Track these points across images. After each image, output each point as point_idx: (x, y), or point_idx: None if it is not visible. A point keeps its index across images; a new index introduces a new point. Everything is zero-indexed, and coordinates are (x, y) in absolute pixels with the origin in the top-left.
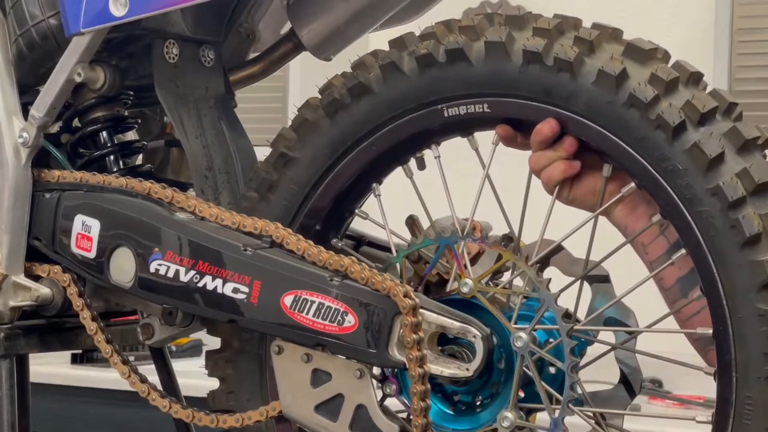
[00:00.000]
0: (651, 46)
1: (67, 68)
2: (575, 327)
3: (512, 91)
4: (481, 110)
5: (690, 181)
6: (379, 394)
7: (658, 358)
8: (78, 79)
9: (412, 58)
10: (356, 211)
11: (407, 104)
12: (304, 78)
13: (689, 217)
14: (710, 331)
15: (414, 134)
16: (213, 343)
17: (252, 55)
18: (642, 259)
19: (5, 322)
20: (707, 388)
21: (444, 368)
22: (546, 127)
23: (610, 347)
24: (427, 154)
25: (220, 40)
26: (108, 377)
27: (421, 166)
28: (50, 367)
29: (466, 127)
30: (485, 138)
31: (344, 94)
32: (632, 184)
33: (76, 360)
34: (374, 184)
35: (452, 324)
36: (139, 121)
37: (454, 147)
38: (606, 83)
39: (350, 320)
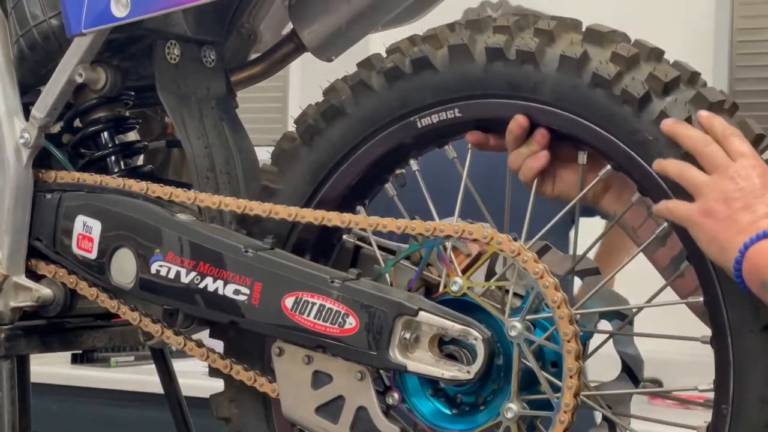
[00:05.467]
0: (609, 29)
1: (68, 69)
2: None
3: (480, 92)
4: (452, 116)
5: (662, 150)
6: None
7: (654, 337)
8: (79, 80)
9: (380, 74)
10: (344, 237)
11: (380, 121)
12: (305, 78)
13: (665, 187)
14: (701, 298)
15: (391, 150)
16: (213, 343)
17: (253, 56)
18: (635, 243)
19: (6, 323)
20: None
21: (445, 371)
22: (514, 125)
23: (608, 335)
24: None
25: (221, 41)
26: (108, 377)
27: (402, 182)
28: (50, 367)
29: (440, 135)
30: None
31: (318, 120)
32: (608, 167)
33: (76, 360)
34: (358, 207)
35: (453, 326)
36: (140, 121)
37: None
38: (569, 67)
39: (351, 322)
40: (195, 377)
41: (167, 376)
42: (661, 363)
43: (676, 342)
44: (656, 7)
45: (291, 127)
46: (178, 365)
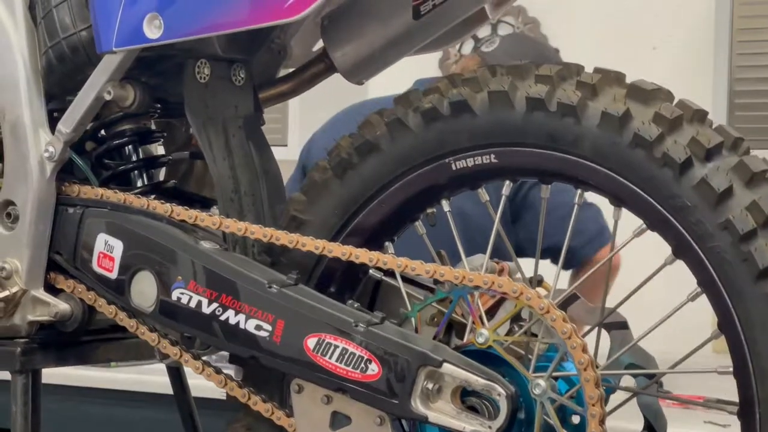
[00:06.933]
0: (653, 87)
1: (97, 85)
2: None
3: (518, 140)
4: (488, 161)
5: (700, 217)
6: None
7: (681, 400)
8: (108, 97)
9: (417, 113)
10: (370, 271)
11: (415, 160)
12: None
13: (701, 254)
14: (731, 369)
15: (423, 190)
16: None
17: (283, 72)
18: None
19: (22, 336)
20: (707, 388)
21: (466, 424)
22: None
23: (632, 393)
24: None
25: (251, 58)
26: (108, 377)
27: (432, 221)
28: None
29: (474, 179)
30: None
31: (352, 154)
32: (643, 225)
33: None
34: (387, 243)
35: (477, 380)
36: (165, 134)
37: None
38: (610, 124)
39: (373, 368)
40: (199, 377)
41: (181, 390)
42: (663, 364)
43: (679, 345)
44: (656, 7)
45: (291, 128)
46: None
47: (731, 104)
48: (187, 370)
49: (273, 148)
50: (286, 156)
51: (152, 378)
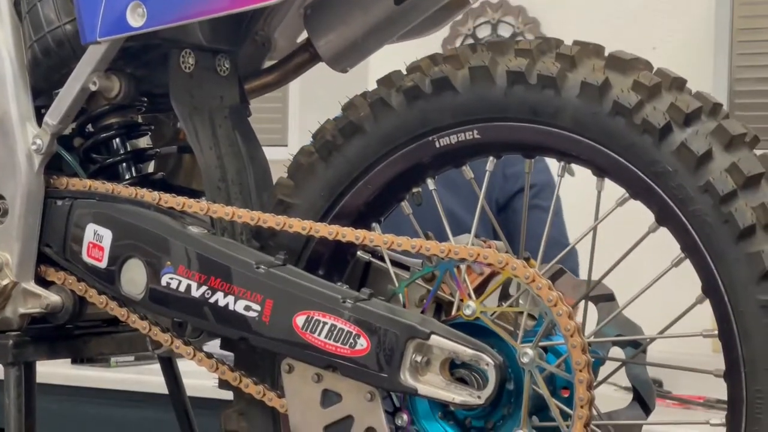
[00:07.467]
0: (632, 57)
1: (82, 77)
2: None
3: (500, 114)
4: (471, 137)
5: (681, 182)
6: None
7: (668, 368)
8: (93, 88)
9: (400, 92)
10: (358, 253)
11: (399, 139)
12: (304, 78)
13: (683, 218)
14: (716, 332)
15: (408, 169)
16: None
17: (267, 63)
18: None
19: (14, 329)
20: (707, 388)
21: (456, 395)
22: None
23: (620, 363)
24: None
25: (236, 49)
26: (108, 377)
27: (418, 200)
28: (50, 367)
29: (458, 156)
30: None
31: (336, 135)
32: (626, 194)
33: (75, 360)
34: (374, 224)
35: (465, 351)
36: (153, 127)
37: None
38: (590, 94)
39: (362, 343)
40: (198, 377)
41: (174, 383)
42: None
43: (677, 344)
44: (656, 7)
45: (291, 128)
46: (181, 364)
47: (731, 104)
48: (182, 367)
49: (273, 148)
50: (287, 156)
51: (150, 378)
